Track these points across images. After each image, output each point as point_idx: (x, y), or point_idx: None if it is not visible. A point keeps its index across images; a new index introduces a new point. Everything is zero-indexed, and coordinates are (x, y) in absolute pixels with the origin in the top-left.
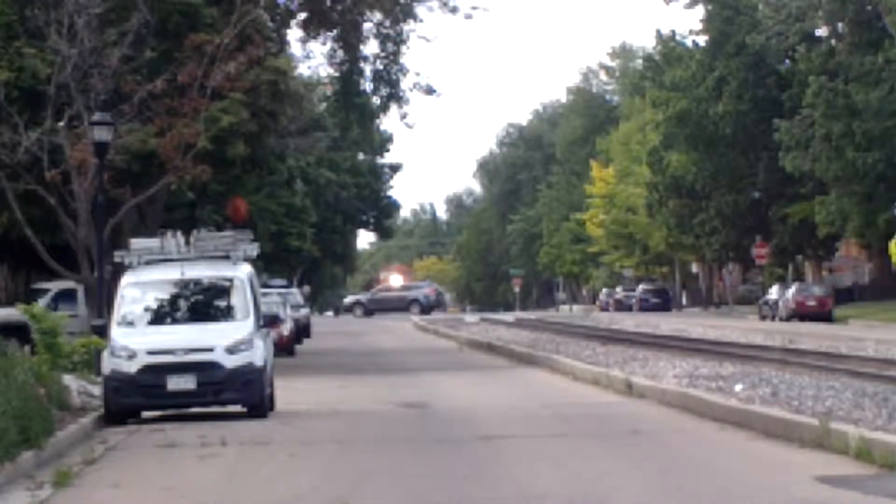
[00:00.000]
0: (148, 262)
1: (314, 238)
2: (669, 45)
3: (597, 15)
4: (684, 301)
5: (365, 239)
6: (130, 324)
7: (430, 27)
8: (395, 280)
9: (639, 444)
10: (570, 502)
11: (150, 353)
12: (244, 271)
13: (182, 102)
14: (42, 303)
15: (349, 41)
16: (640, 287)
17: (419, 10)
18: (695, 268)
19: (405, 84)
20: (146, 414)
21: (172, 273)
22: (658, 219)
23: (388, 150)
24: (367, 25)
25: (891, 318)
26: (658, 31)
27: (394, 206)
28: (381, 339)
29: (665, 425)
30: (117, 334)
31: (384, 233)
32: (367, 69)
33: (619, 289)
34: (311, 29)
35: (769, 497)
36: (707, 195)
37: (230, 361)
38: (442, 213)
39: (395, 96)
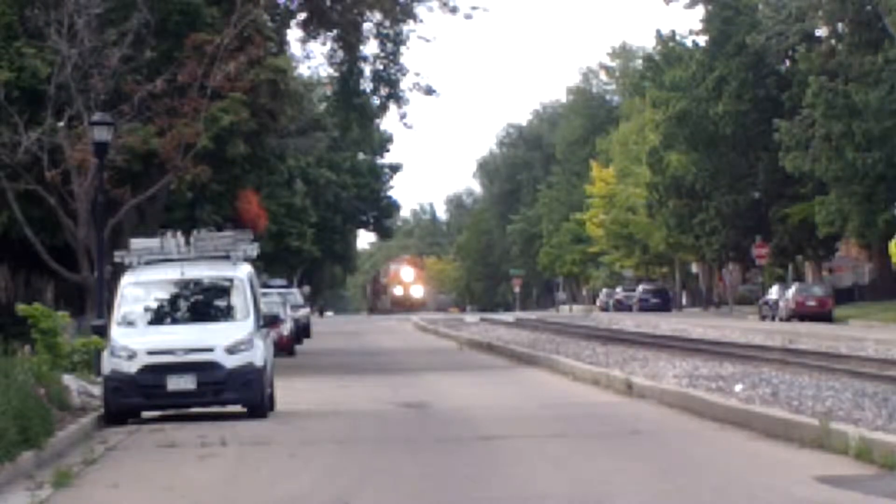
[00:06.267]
0: (148, 262)
1: (314, 238)
2: (669, 46)
3: (597, 15)
4: (684, 301)
5: (365, 239)
6: (130, 324)
7: (429, 27)
8: (407, 274)
9: (639, 444)
10: (570, 502)
11: (150, 353)
12: (244, 271)
13: (182, 102)
14: None
15: (349, 41)
16: (640, 287)
17: (419, 10)
18: (695, 268)
19: (405, 84)
20: (146, 414)
21: (172, 273)
22: (658, 219)
23: (387, 151)
24: (367, 25)
25: (891, 318)
26: (658, 31)
27: (394, 207)
28: (381, 339)
29: (665, 425)
30: (117, 334)
31: (384, 233)
32: (367, 69)
33: (619, 289)
34: (311, 29)
35: (769, 497)
36: (707, 195)
37: (230, 361)
38: (442, 213)
39: (394, 96)
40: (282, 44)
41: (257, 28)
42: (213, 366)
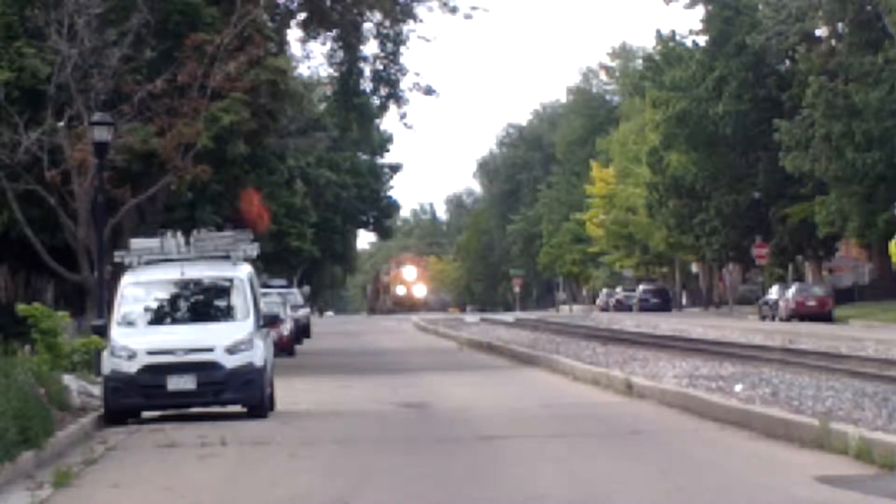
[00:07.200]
0: (148, 262)
1: (314, 238)
2: (669, 46)
3: (597, 15)
4: (684, 301)
5: (365, 239)
6: (130, 324)
7: (429, 27)
8: (409, 273)
9: (639, 444)
10: (570, 502)
11: (150, 353)
12: (244, 271)
13: (182, 102)
14: None
15: (349, 41)
16: (640, 287)
17: (419, 10)
18: (695, 268)
19: (405, 84)
20: (146, 414)
21: (172, 273)
22: (658, 219)
23: (387, 151)
24: (367, 25)
25: (891, 318)
26: (658, 32)
27: (394, 206)
28: (382, 339)
29: (665, 425)
30: (117, 334)
31: (384, 233)
32: (367, 69)
33: (619, 289)
34: (311, 29)
35: (769, 497)
36: (707, 195)
37: (230, 361)
38: (442, 213)
39: (394, 96)
40: (282, 44)
41: (257, 28)
42: (213, 366)
